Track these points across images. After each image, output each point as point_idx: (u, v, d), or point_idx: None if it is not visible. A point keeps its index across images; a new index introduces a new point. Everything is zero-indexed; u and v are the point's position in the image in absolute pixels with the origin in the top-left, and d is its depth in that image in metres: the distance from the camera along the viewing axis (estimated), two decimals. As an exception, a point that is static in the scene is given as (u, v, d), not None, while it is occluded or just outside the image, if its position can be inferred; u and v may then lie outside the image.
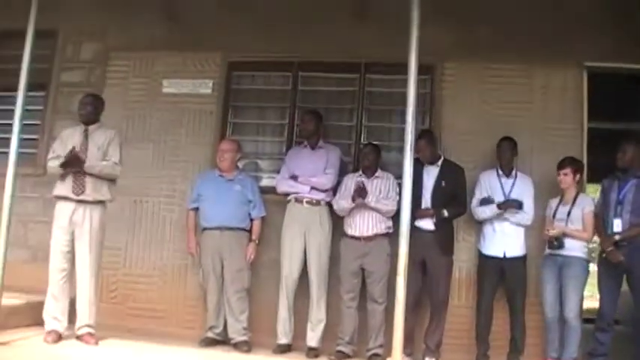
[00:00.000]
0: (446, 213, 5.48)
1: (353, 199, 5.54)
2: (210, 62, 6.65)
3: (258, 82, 6.70)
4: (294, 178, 5.82)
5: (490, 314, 5.52)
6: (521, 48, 6.00)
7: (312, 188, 5.79)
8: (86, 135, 5.36)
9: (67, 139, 5.36)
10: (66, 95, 6.73)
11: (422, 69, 5.87)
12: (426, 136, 5.70)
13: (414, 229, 5.11)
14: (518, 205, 5.46)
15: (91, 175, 5.23)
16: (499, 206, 5.49)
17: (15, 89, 5.95)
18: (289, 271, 5.73)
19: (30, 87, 6.75)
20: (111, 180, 5.40)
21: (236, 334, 5.69)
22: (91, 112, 5.45)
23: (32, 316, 5.50)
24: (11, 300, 5.55)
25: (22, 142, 6.22)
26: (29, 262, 6.38)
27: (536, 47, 5.98)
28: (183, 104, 6.64)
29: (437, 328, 5.46)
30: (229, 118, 6.63)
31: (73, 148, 5.20)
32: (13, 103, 6.13)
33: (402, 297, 4.14)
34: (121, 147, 5.47)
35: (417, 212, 5.31)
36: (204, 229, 5.90)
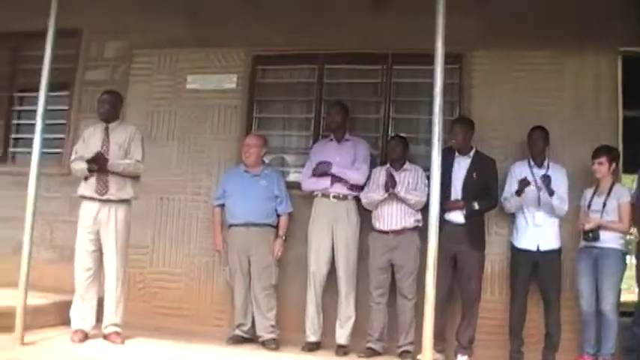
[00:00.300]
0: (476, 205, 5.38)
1: (386, 188, 5.48)
2: (234, 57, 6.63)
3: (283, 75, 6.67)
4: (324, 165, 5.70)
5: (524, 309, 5.41)
6: (552, 33, 5.85)
7: (338, 181, 5.71)
8: (107, 133, 5.37)
9: (89, 138, 5.40)
10: (90, 94, 6.73)
11: (450, 58, 5.79)
12: (462, 121, 5.64)
13: (443, 223, 5.04)
14: (550, 192, 5.31)
15: (114, 174, 5.24)
16: (517, 192, 5.36)
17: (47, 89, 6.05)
18: (317, 267, 5.68)
19: (54, 86, 6.85)
20: (134, 178, 5.40)
21: (264, 331, 5.66)
22: (110, 110, 5.45)
23: (59, 315, 5.55)
24: (38, 300, 5.63)
25: (48, 141, 6.34)
26: (55, 261, 6.45)
27: (568, 32, 5.83)
28: (208, 100, 6.63)
29: (469, 324, 5.36)
30: (254, 112, 6.61)
31: (98, 152, 5.21)
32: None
33: (432, 293, 4.06)
34: (143, 144, 5.48)
35: (446, 204, 5.21)
36: (231, 225, 5.88)
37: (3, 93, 7.29)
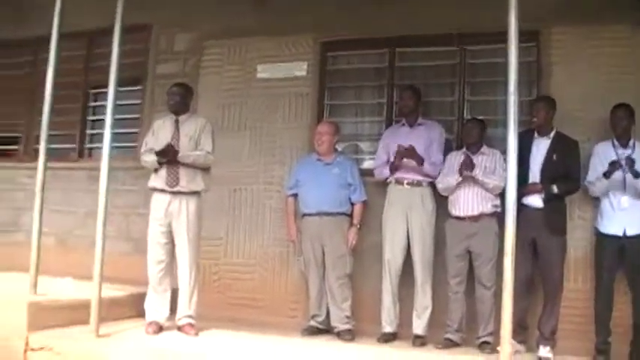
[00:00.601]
0: (555, 189, 5.16)
1: (460, 173, 5.35)
2: (303, 44, 6.60)
3: (354, 61, 6.60)
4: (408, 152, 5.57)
5: (610, 298, 5.13)
6: (635, 4, 5.48)
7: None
8: (177, 125, 5.43)
9: (159, 130, 5.47)
10: (162, 87, 6.74)
11: (526, 36, 5.65)
12: (544, 99, 5.44)
13: (521, 207, 4.92)
14: (636, 175, 5.03)
15: (184, 165, 5.28)
16: (605, 174, 5.09)
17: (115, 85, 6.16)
18: (392, 255, 5.59)
19: (127, 81, 7.06)
20: (204, 169, 5.43)
21: (339, 322, 5.62)
22: (180, 102, 5.50)
23: (134, 307, 5.64)
24: (113, 292, 5.76)
25: (122, 136, 6.52)
26: (131, 253, 6.58)
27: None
28: (278, 89, 6.63)
29: (551, 313, 5.13)
30: (325, 100, 6.57)
31: (168, 143, 5.26)
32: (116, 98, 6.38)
33: (510, 280, 3.90)
34: (213, 135, 5.50)
35: (524, 188, 5.03)
36: (304, 215, 5.87)
37: (78, 90, 7.50)
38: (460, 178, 5.37)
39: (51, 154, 7.32)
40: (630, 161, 5.03)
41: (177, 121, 5.44)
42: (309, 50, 6.56)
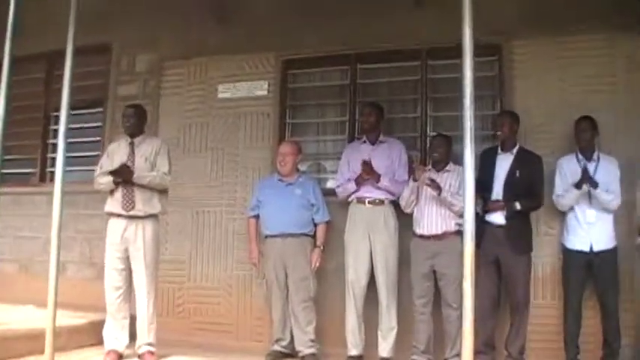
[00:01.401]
0: (518, 206, 4.97)
1: (414, 180, 5.19)
2: (264, 63, 6.41)
3: (315, 78, 6.42)
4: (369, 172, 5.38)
5: (579, 314, 4.96)
6: (600, 14, 5.37)
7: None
8: (132, 147, 5.24)
9: (113, 153, 5.29)
10: (123, 109, 6.60)
11: (488, 49, 5.57)
12: (508, 113, 5.28)
13: (484, 225, 4.82)
14: (594, 185, 4.87)
15: (140, 188, 5.09)
16: (577, 185, 4.90)
17: (76, 107, 5.94)
18: (355, 276, 5.37)
19: (88, 103, 6.82)
20: (161, 191, 5.24)
21: (303, 346, 5.39)
22: (135, 124, 5.32)
23: (95, 335, 5.39)
24: (74, 319, 5.56)
25: (85, 159, 6.28)
26: (94, 279, 6.27)
27: (618, 12, 5.31)
28: (240, 108, 6.44)
29: (518, 332, 4.95)
30: (287, 118, 6.38)
31: (123, 163, 5.08)
32: (75, 122, 6.17)
33: (470, 304, 3.64)
34: (169, 156, 5.34)
35: (486, 206, 4.85)
36: (266, 236, 5.63)
37: (39, 113, 7.28)
38: (414, 184, 5.18)
39: (12, 179, 7.22)
40: (586, 171, 4.88)
41: (132, 144, 5.24)
42: (270, 69, 6.37)
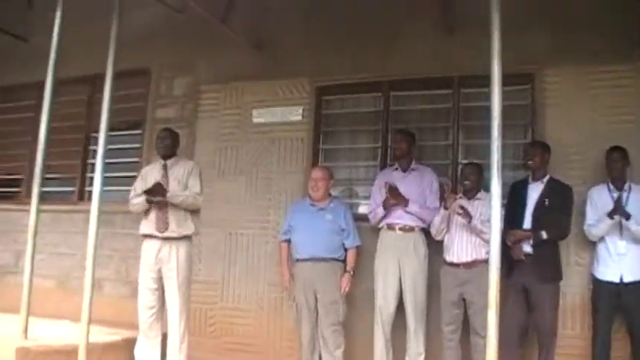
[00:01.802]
0: (544, 235, 4.96)
1: (445, 208, 5.25)
2: (299, 88, 6.53)
3: (349, 105, 6.51)
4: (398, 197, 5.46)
5: (608, 346, 4.93)
6: (629, 45, 5.37)
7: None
8: (165, 169, 5.41)
9: (147, 175, 5.46)
10: (158, 132, 6.77)
11: (520, 78, 5.63)
12: (540, 144, 5.31)
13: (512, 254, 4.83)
14: (626, 216, 4.87)
15: (173, 210, 5.24)
16: (610, 215, 4.90)
17: (115, 129, 6.15)
18: (384, 301, 5.43)
19: (128, 125, 7.02)
20: (194, 212, 5.39)
21: (331, 369, 5.43)
22: (169, 146, 5.51)
23: (128, 352, 5.50)
24: (108, 336, 5.68)
25: (123, 179, 6.45)
26: (129, 297, 6.43)
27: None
28: (274, 133, 6.56)
29: (545, 361, 4.94)
30: (320, 144, 6.48)
31: (157, 182, 5.24)
32: (114, 142, 6.38)
33: (494, 332, 3.72)
34: (201, 177, 5.51)
35: (512, 235, 4.91)
36: (297, 260, 5.70)
37: (81, 133, 7.51)
38: (445, 212, 5.24)
39: (52, 197, 7.44)
40: (618, 202, 4.89)
41: (165, 166, 5.42)
42: (304, 94, 6.48)
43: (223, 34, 6.47)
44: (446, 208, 5.25)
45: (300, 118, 6.47)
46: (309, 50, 6.44)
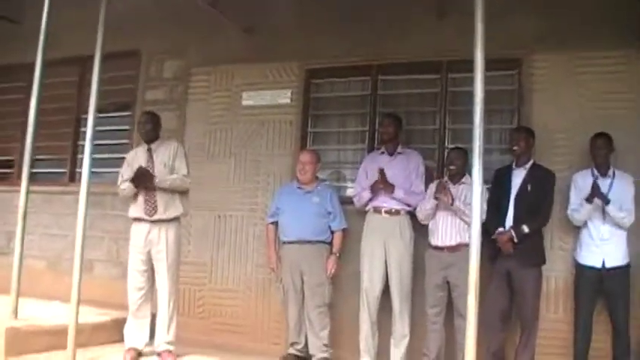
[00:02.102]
0: (526, 229, 4.99)
1: (435, 198, 5.28)
2: (288, 71, 6.56)
3: (337, 88, 6.52)
4: (384, 183, 5.51)
5: (589, 330, 5.02)
6: (619, 31, 5.40)
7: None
8: (150, 153, 5.42)
9: (133, 160, 5.48)
10: (139, 117, 6.79)
11: (507, 63, 5.65)
12: (524, 129, 5.34)
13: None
14: (605, 200, 4.94)
15: (161, 193, 5.28)
16: (587, 199, 4.97)
17: (105, 111, 6.18)
18: (370, 284, 5.50)
19: (117, 107, 7.05)
20: (182, 193, 5.43)
21: (316, 350, 5.54)
22: (150, 130, 5.51)
23: (117, 332, 5.58)
24: (98, 317, 5.78)
25: (113, 161, 6.49)
26: (120, 278, 6.42)
27: (634, 29, 5.33)
28: (263, 116, 6.60)
29: (527, 345, 5.00)
30: (309, 127, 6.51)
31: (140, 165, 5.25)
32: (104, 124, 6.42)
33: (474, 316, 3.76)
34: (187, 158, 5.52)
35: (495, 235, 5.05)
36: (284, 242, 5.79)
37: (71, 115, 7.53)
38: (435, 202, 5.29)
39: (44, 179, 7.49)
40: (596, 187, 4.94)
41: (149, 150, 5.44)
42: (293, 78, 6.51)
43: (214, 17, 6.47)
44: (436, 198, 5.30)
45: (289, 101, 6.50)
46: (299, 33, 6.45)
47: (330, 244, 5.74)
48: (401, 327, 5.41)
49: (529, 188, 5.09)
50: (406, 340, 5.40)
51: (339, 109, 6.47)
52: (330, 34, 6.35)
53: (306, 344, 5.66)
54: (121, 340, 5.45)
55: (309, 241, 5.64)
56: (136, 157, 5.46)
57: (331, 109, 6.51)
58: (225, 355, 5.50)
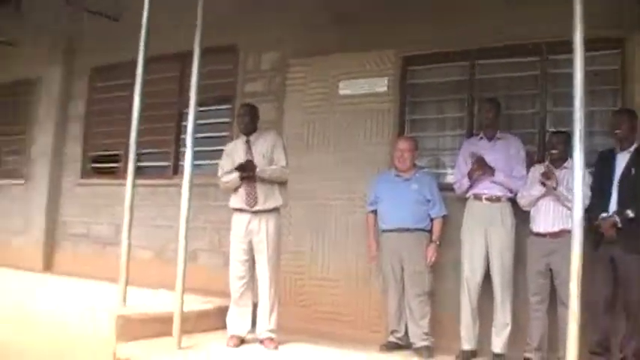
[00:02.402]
0: (630, 214, 4.89)
1: (543, 184, 5.27)
2: (384, 59, 6.65)
3: (434, 74, 6.55)
4: (484, 167, 5.56)
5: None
6: None
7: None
8: (249, 145, 5.68)
9: (232, 153, 5.76)
10: (237, 109, 7.02)
11: (610, 43, 5.55)
12: (627, 111, 5.24)
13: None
14: None
15: (261, 184, 5.53)
16: None
17: (205, 104, 6.48)
18: (470, 272, 5.57)
19: (218, 100, 7.36)
20: (282, 184, 5.65)
21: (417, 339, 5.65)
22: (249, 122, 5.76)
23: (221, 320, 5.86)
24: (202, 304, 6.10)
25: (214, 153, 6.79)
26: (223, 266, 6.77)
27: None
28: (360, 105, 6.73)
29: (633, 334, 4.93)
30: (406, 114, 6.58)
31: (247, 160, 5.53)
32: (205, 118, 6.73)
33: (576, 305, 3.78)
34: (285, 149, 5.73)
35: (600, 224, 4.98)
36: (383, 231, 5.91)
37: (173, 110, 7.94)
38: (544, 189, 5.28)
39: (149, 172, 7.91)
40: None
41: (248, 141, 5.69)
42: (389, 65, 6.60)
43: (309, 9, 6.67)
44: (543, 184, 5.29)
45: (385, 89, 6.60)
46: (394, 21, 6.52)
47: (430, 231, 5.83)
48: (502, 315, 5.45)
49: (633, 172, 5.00)
50: (508, 329, 5.43)
51: (437, 95, 6.51)
52: (425, 20, 6.39)
53: (406, 332, 5.78)
54: (223, 327, 5.73)
55: (408, 229, 5.75)
56: (235, 149, 5.73)
57: (428, 95, 6.56)
58: (326, 343, 5.67)
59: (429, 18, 6.38)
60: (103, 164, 8.82)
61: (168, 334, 5.17)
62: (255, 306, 5.61)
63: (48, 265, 9.08)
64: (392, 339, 5.81)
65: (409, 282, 5.72)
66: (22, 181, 9.71)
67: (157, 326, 5.40)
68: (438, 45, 6.36)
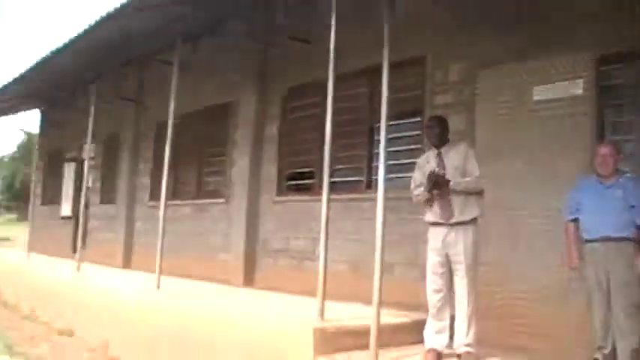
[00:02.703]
0: None
1: None
2: (578, 61, 6.44)
3: (635, 74, 6.20)
4: None
5: None
6: None
7: None
8: (440, 157, 5.75)
9: (424, 165, 5.87)
10: (426, 122, 7.07)
11: None
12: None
13: None
14: None
15: (456, 196, 5.60)
16: None
17: (396, 118, 6.67)
18: (685, 283, 5.23)
19: (407, 114, 7.52)
20: (478, 195, 5.69)
21: (626, 357, 5.34)
22: (440, 134, 5.84)
23: (417, 333, 5.95)
24: (398, 318, 6.25)
25: (406, 166, 6.93)
26: (419, 280, 6.79)
27: None
28: (554, 110, 6.59)
29: None
30: (605, 117, 6.34)
31: (433, 170, 5.59)
32: (396, 131, 6.91)
33: None
34: (475, 158, 5.74)
35: None
36: (586, 240, 5.71)
37: (363, 125, 8.24)
38: None
39: (343, 187, 8.22)
40: None
41: (439, 154, 5.77)
42: (583, 67, 6.38)
43: (494, 18, 6.65)
44: None
45: (581, 91, 6.40)
46: (586, 21, 6.33)
47: (636, 240, 5.54)
48: None
49: None
50: None
51: (637, 95, 6.17)
52: (618, 19, 6.13)
53: (613, 349, 5.51)
54: (420, 341, 5.82)
55: (613, 239, 5.51)
56: (427, 162, 5.84)
57: (627, 96, 6.26)
58: (525, 358, 5.60)
59: (623, 16, 6.10)
60: (297, 181, 9.28)
61: (364, 347, 5.32)
62: (452, 319, 5.66)
63: (248, 280, 9.71)
64: (598, 356, 5.57)
65: (616, 294, 5.47)
66: (223, 200, 10.47)
67: (353, 339, 5.59)
68: (634, 43, 6.02)
